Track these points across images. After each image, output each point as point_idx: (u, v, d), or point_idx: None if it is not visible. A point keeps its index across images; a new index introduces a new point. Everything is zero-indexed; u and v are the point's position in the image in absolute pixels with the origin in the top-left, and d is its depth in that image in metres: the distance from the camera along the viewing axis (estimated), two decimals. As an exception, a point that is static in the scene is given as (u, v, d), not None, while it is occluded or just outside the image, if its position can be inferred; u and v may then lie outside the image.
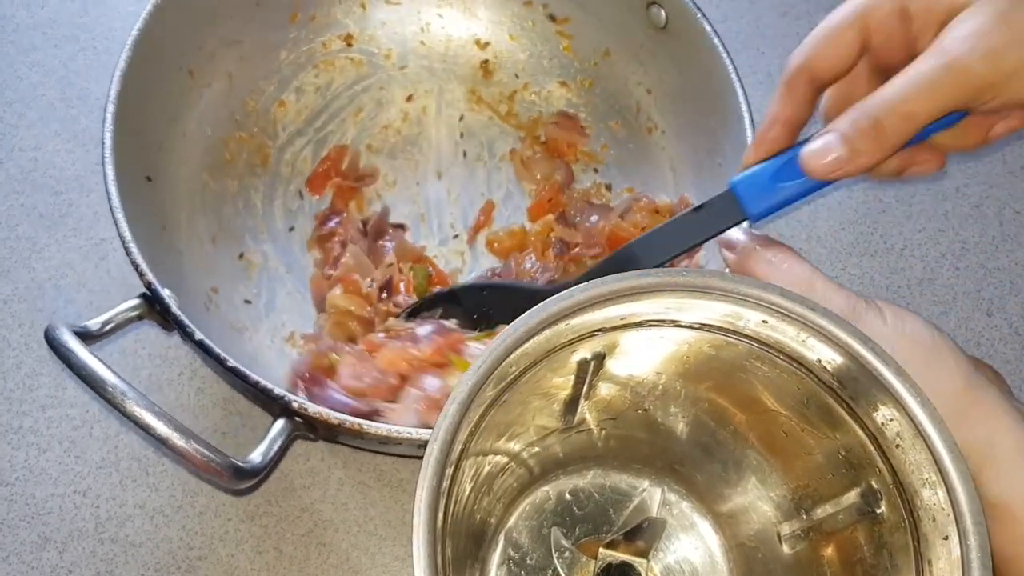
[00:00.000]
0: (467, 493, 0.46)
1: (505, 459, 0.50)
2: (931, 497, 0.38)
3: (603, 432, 0.53)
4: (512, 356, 0.40)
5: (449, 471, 0.39)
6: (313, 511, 0.61)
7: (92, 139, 0.72)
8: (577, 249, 0.68)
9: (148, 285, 0.50)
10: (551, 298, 0.39)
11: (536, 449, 0.52)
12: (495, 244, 0.69)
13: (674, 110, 0.71)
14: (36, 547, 0.59)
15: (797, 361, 0.42)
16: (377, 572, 0.59)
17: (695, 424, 0.51)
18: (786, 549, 0.49)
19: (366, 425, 0.48)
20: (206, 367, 0.64)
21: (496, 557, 0.53)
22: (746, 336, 0.42)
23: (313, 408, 0.48)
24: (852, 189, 0.76)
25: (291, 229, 0.67)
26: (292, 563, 0.59)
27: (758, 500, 0.51)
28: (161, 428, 0.44)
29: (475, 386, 0.38)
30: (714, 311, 0.41)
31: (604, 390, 0.49)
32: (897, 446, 0.39)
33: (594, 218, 0.69)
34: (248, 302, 0.63)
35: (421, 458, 0.37)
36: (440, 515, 0.38)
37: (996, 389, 0.42)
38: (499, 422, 0.45)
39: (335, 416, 0.48)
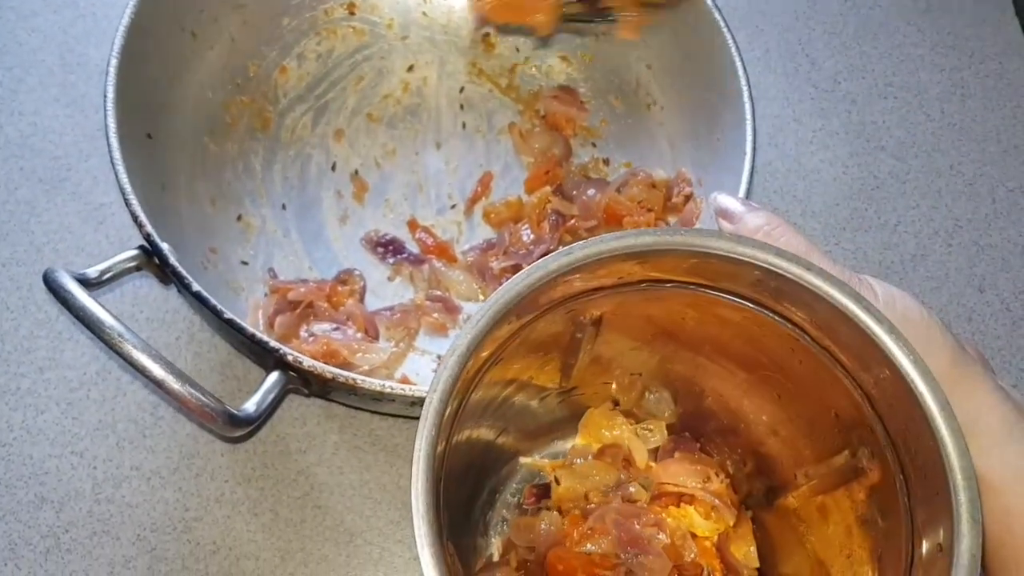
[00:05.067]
0: (464, 453, 0.46)
1: (502, 420, 0.51)
2: (922, 455, 0.38)
3: (598, 394, 0.54)
4: (510, 313, 0.40)
5: (446, 431, 0.40)
6: (309, 474, 0.61)
7: (91, 104, 0.72)
8: (573, 221, 0.68)
9: (147, 236, 0.50)
10: (550, 255, 0.40)
11: (533, 410, 0.52)
12: (492, 215, 0.69)
13: (673, 86, 0.71)
14: (33, 507, 0.59)
15: (791, 321, 0.42)
16: (372, 535, 0.60)
17: (690, 388, 0.52)
18: (777, 506, 0.50)
19: (360, 380, 0.49)
20: (203, 331, 0.65)
21: (492, 518, 0.53)
22: (743, 296, 0.43)
23: (308, 362, 0.48)
24: (847, 166, 0.77)
25: (283, 207, 0.68)
26: (288, 525, 0.60)
27: (750, 461, 0.52)
28: (157, 370, 0.44)
29: (474, 340, 0.38)
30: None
31: (601, 352, 0.49)
32: (890, 405, 0.40)
33: (591, 191, 0.69)
34: (245, 263, 0.64)
35: (415, 418, 0.37)
36: (438, 474, 0.38)
37: (981, 367, 0.43)
38: (496, 380, 0.46)
39: (329, 370, 0.49)
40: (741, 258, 0.40)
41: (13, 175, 0.69)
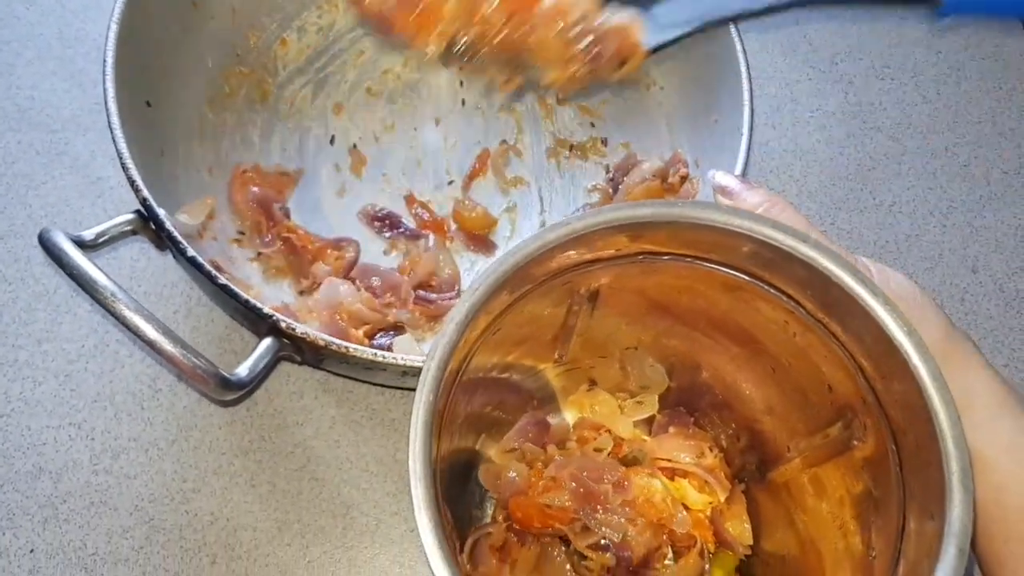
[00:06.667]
0: (460, 423, 0.46)
1: (498, 393, 0.51)
2: (915, 425, 0.38)
3: (594, 369, 0.54)
4: (507, 284, 0.40)
5: (443, 400, 0.40)
6: (306, 447, 0.62)
7: (89, 79, 0.72)
8: None
9: (143, 201, 0.50)
10: (548, 226, 0.40)
11: (528, 383, 0.53)
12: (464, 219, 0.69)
13: (674, 66, 0.71)
14: (31, 477, 0.59)
15: (786, 294, 0.43)
16: (368, 507, 0.60)
17: (685, 362, 0.52)
18: (769, 480, 0.50)
19: (352, 348, 0.49)
20: (201, 305, 0.65)
21: (487, 490, 0.54)
22: (738, 268, 0.43)
23: (301, 328, 0.49)
24: (843, 146, 0.77)
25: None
26: (285, 496, 0.60)
27: (744, 436, 0.52)
28: (150, 332, 0.44)
29: (472, 308, 0.39)
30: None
31: (597, 326, 0.50)
32: (883, 376, 0.40)
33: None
34: (242, 233, 0.64)
35: (410, 389, 0.38)
36: (435, 442, 0.38)
37: (972, 344, 0.44)
38: (493, 352, 0.46)
39: (322, 337, 0.49)
40: (737, 230, 0.40)
41: (11, 148, 0.69)
